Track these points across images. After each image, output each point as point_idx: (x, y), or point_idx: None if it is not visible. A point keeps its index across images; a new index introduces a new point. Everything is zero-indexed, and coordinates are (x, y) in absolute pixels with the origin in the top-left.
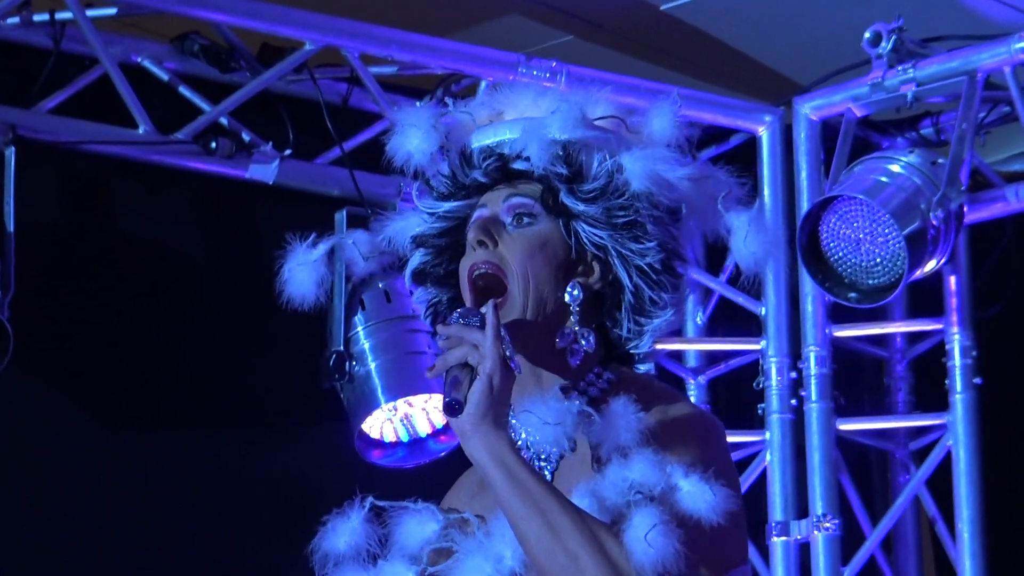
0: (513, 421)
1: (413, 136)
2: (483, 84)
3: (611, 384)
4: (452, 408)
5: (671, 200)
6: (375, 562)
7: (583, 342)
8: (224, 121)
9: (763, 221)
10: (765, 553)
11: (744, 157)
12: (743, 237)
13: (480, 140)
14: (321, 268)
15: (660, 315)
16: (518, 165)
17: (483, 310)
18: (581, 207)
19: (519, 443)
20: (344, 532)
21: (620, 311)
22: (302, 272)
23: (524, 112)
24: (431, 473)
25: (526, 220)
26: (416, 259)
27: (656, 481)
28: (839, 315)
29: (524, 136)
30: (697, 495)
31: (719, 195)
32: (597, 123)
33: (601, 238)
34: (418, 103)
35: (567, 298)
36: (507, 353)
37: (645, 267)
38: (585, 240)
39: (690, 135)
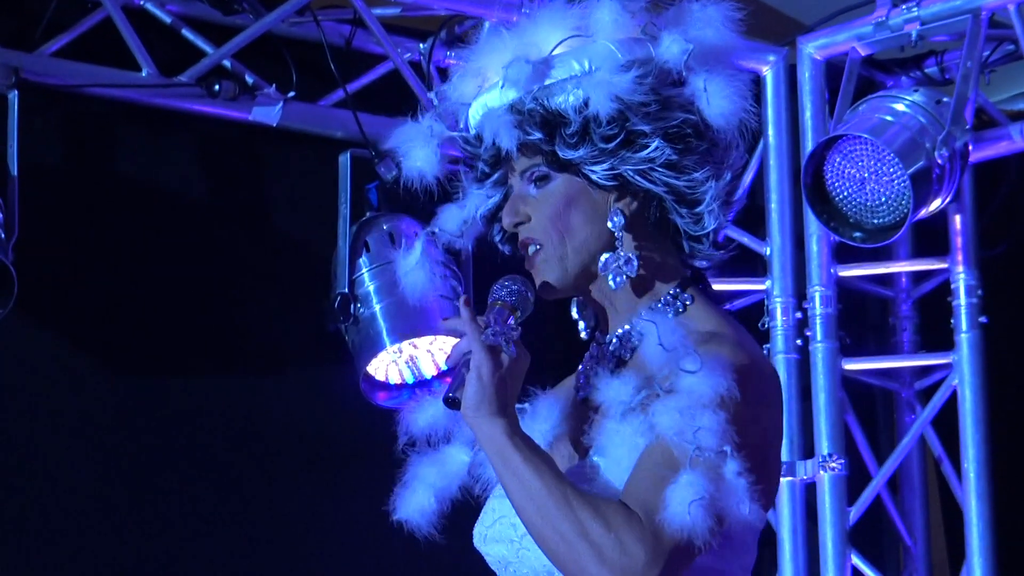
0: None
1: (415, 154)
2: (486, 25)
3: (685, 307)
4: (451, 404)
5: (646, 95)
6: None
7: (624, 266)
8: (227, 63)
9: (723, 77)
10: None
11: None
12: (705, 99)
13: (472, 123)
14: (427, 263)
15: (705, 188)
16: (499, 146)
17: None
18: (575, 154)
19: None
20: (426, 412)
21: (670, 213)
22: (414, 275)
23: (499, 71)
24: None
25: (542, 182)
26: (498, 231)
27: (716, 446)
28: (844, 255)
29: (486, 126)
30: (739, 490)
31: (680, 65)
32: (556, 52)
33: (609, 168)
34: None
35: (610, 225)
36: (496, 341)
37: (660, 165)
38: (597, 179)
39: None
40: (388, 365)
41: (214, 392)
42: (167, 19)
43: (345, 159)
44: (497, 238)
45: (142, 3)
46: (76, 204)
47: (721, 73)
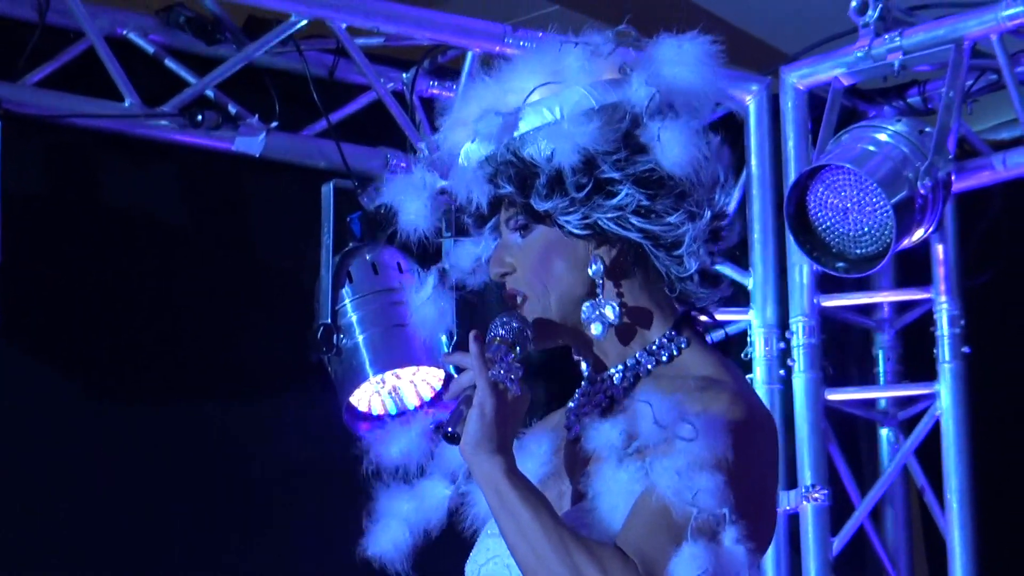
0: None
1: (408, 207)
2: (469, 55)
3: (680, 351)
4: (450, 439)
5: (612, 142)
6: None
7: (608, 314)
8: (210, 94)
9: (677, 126)
10: None
11: (731, 126)
12: (660, 148)
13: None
14: (439, 299)
15: (682, 231)
16: (472, 199)
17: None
18: (547, 205)
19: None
20: (399, 441)
21: (650, 257)
22: (424, 310)
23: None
24: None
25: (524, 231)
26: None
27: (715, 508)
28: (827, 285)
29: (460, 183)
30: (738, 559)
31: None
32: (531, 99)
33: (582, 218)
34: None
35: (591, 273)
36: (502, 378)
37: (633, 212)
38: (572, 228)
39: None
40: (371, 396)
41: (196, 420)
42: (150, 49)
43: (328, 189)
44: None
45: (125, 33)
46: (59, 233)
47: (677, 120)
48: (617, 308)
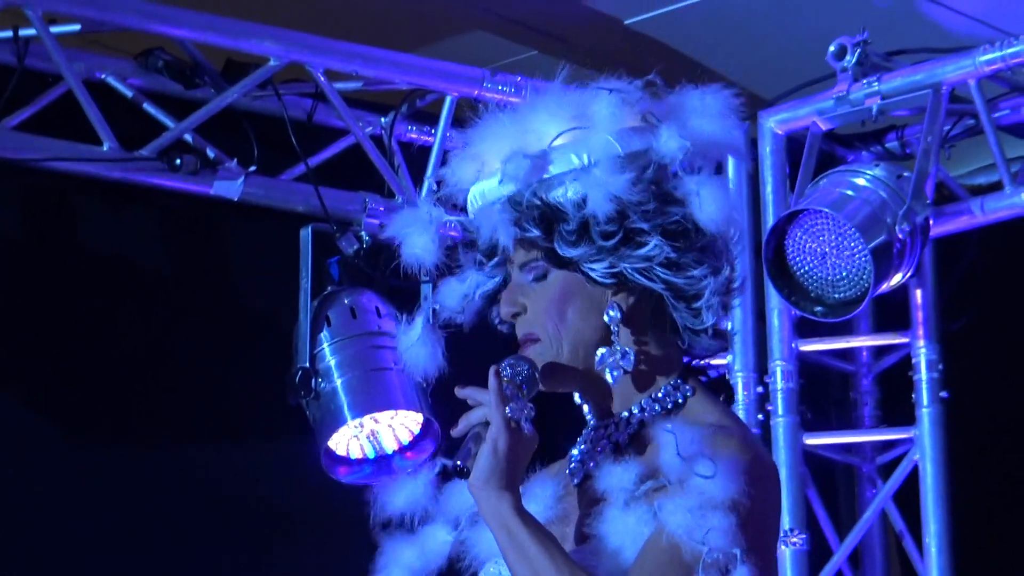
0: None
1: (415, 242)
2: (448, 100)
3: (686, 399)
4: (460, 473)
5: (644, 193)
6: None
7: (623, 361)
8: (189, 137)
9: (714, 183)
10: None
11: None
12: (698, 203)
13: (470, 209)
14: (428, 340)
15: (703, 284)
16: (497, 241)
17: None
18: (574, 252)
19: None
20: (404, 490)
21: (667, 308)
22: (414, 352)
23: (499, 157)
24: None
25: (541, 277)
26: (496, 311)
27: (727, 548)
28: (805, 329)
29: (483, 224)
30: None
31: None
32: (556, 143)
33: (609, 267)
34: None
35: (606, 319)
36: (517, 415)
37: (660, 263)
38: (597, 276)
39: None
40: (349, 440)
41: (175, 464)
42: (128, 93)
43: (306, 233)
44: (496, 319)
45: (103, 77)
46: (37, 277)
47: (713, 176)
48: (633, 356)
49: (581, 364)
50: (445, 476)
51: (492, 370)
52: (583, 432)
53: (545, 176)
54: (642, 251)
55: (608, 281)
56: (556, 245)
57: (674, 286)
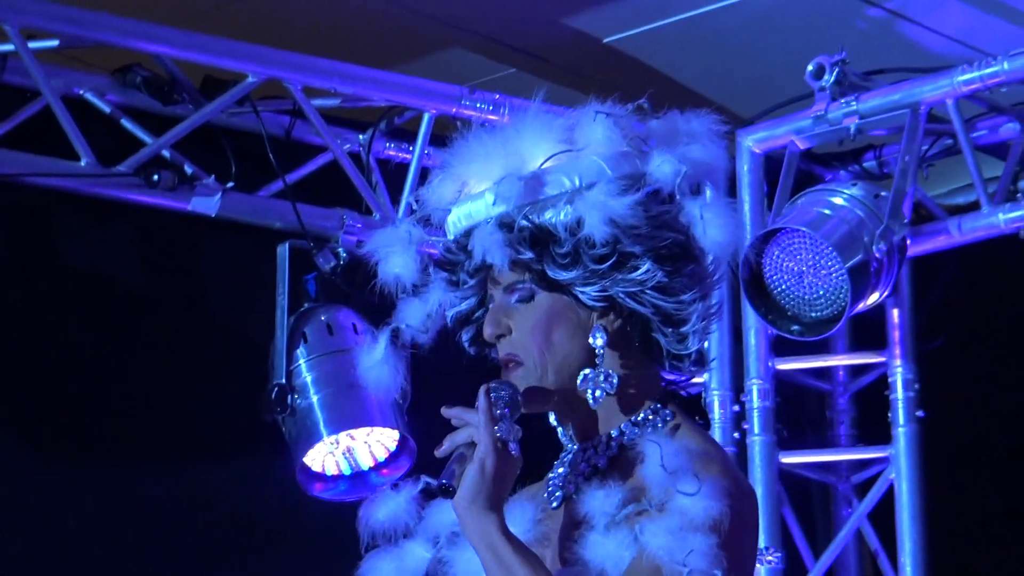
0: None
1: (394, 261)
2: (426, 117)
3: (666, 423)
4: (444, 492)
5: (638, 218)
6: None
7: (605, 384)
8: (166, 153)
9: (720, 206)
10: None
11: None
12: (702, 227)
13: (452, 229)
14: (391, 360)
15: (691, 310)
16: (487, 261)
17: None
18: (566, 275)
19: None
20: (387, 506)
21: (653, 331)
22: (377, 371)
23: (482, 178)
24: None
25: (527, 299)
26: (466, 334)
27: (707, 570)
28: (782, 348)
29: (477, 243)
30: None
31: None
32: (547, 164)
33: (600, 290)
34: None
35: (592, 343)
36: (506, 436)
37: (652, 288)
38: (587, 299)
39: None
40: (325, 456)
41: (150, 481)
42: (106, 109)
43: (283, 250)
44: (465, 340)
45: (81, 93)
46: (14, 293)
47: (717, 200)
48: (616, 379)
49: (564, 386)
50: (428, 495)
51: (483, 389)
52: (561, 455)
53: (539, 198)
54: (634, 275)
55: (599, 304)
56: (547, 268)
57: (663, 311)
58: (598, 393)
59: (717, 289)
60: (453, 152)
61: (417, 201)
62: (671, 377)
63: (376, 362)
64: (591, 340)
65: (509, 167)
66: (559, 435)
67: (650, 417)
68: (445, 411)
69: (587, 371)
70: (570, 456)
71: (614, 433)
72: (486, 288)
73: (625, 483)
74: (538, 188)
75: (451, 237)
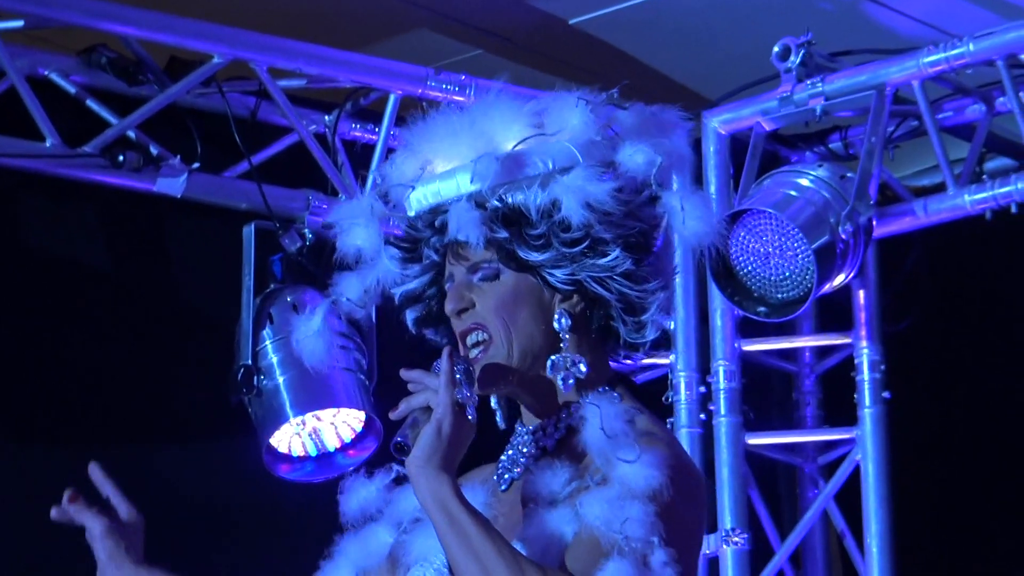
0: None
1: (357, 233)
2: (392, 98)
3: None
4: (399, 449)
5: (607, 205)
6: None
7: (574, 367)
8: (132, 134)
9: (698, 198)
10: None
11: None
12: (681, 218)
13: (415, 206)
14: (327, 334)
15: (653, 299)
16: (458, 237)
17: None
18: (537, 256)
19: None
20: (359, 493)
21: (614, 319)
22: (312, 343)
23: (448, 157)
24: None
25: (492, 277)
26: (413, 313)
27: (643, 536)
28: (748, 329)
29: (453, 220)
30: None
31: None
32: (519, 147)
33: (570, 274)
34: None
35: (556, 327)
36: (465, 400)
37: (619, 274)
38: (555, 282)
39: (608, 113)
40: (291, 437)
41: (116, 463)
42: (71, 89)
43: (249, 231)
44: (410, 319)
45: (46, 73)
46: None
47: (697, 193)
48: (585, 364)
49: (525, 368)
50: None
51: (446, 351)
52: (511, 438)
53: (515, 179)
54: (604, 260)
55: (566, 288)
56: (518, 248)
57: (627, 298)
58: (570, 380)
59: (673, 281)
60: (416, 130)
61: (381, 176)
62: (620, 365)
63: (312, 333)
64: (555, 323)
65: (477, 148)
66: (497, 418)
67: (598, 398)
68: (404, 373)
69: (555, 357)
70: (519, 439)
71: (563, 415)
72: (442, 266)
73: (570, 464)
74: (515, 169)
75: (414, 213)
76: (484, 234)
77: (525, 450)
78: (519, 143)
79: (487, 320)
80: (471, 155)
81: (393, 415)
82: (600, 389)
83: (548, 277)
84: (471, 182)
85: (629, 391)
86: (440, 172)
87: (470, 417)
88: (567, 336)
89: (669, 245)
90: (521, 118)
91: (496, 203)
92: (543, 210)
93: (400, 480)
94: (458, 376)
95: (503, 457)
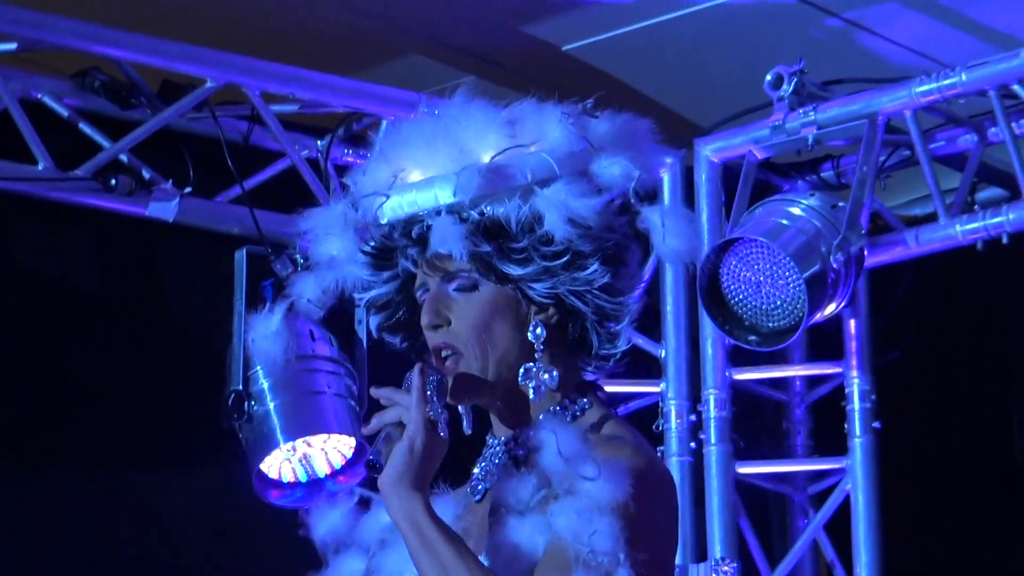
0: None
1: (331, 242)
2: (384, 123)
3: (584, 412)
4: (371, 467)
5: (587, 220)
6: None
7: (545, 377)
8: (124, 158)
9: (680, 214)
10: None
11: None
12: (662, 235)
13: (389, 215)
14: (285, 335)
15: (626, 311)
16: (439, 249)
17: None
18: (518, 270)
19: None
20: (327, 522)
21: (588, 331)
22: (266, 342)
23: (423, 166)
24: None
25: (469, 288)
26: (378, 319)
27: (610, 551)
28: (739, 358)
29: (437, 232)
30: None
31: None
32: (498, 158)
33: (550, 288)
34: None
35: (531, 337)
36: (436, 417)
37: (597, 288)
38: (535, 295)
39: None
40: (281, 463)
41: (106, 486)
42: (64, 112)
43: (241, 256)
44: (374, 325)
45: (39, 96)
46: None
47: (677, 209)
48: (557, 374)
49: (502, 379)
50: (368, 469)
51: (417, 368)
52: (484, 450)
53: (495, 191)
54: (583, 274)
55: (545, 301)
56: (498, 262)
57: (603, 310)
58: (541, 389)
59: (639, 291)
60: (388, 137)
61: (349, 183)
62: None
63: (269, 333)
64: (530, 334)
65: (452, 156)
66: (463, 424)
67: (568, 406)
68: (374, 391)
69: (528, 365)
70: (491, 451)
71: (535, 427)
72: (411, 274)
73: (539, 472)
74: (496, 181)
75: (386, 222)
76: (467, 247)
77: (497, 461)
78: (498, 154)
79: (462, 339)
80: (447, 164)
81: (365, 431)
82: (565, 400)
83: (527, 290)
84: (453, 194)
85: (598, 398)
86: (416, 181)
87: (442, 434)
88: (542, 347)
89: (642, 256)
90: (496, 127)
91: (476, 216)
92: (525, 224)
93: (365, 503)
94: (429, 392)
95: (476, 470)
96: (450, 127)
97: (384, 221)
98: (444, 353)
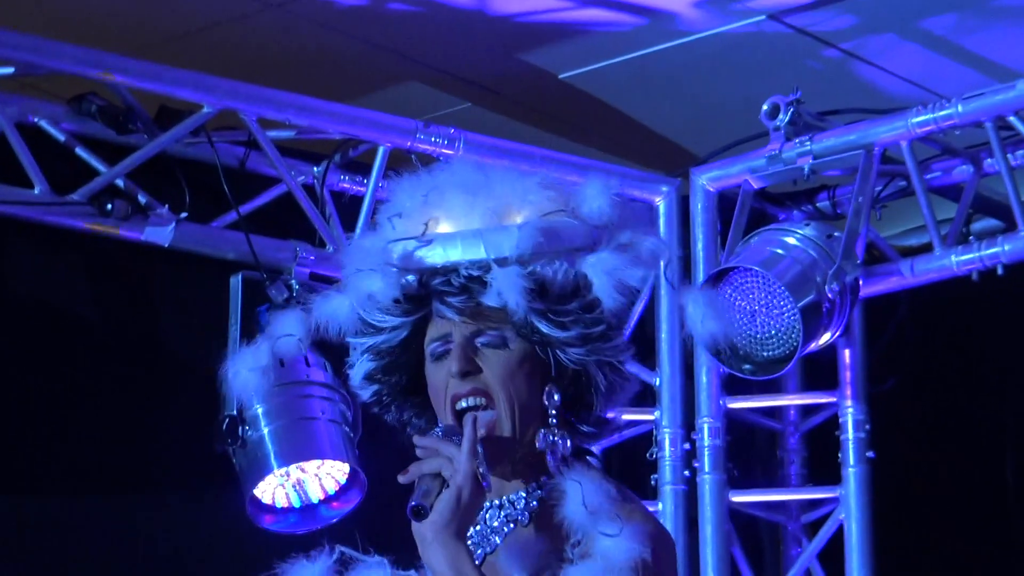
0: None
1: (372, 280)
2: (380, 150)
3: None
4: (417, 513)
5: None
6: None
7: (561, 444)
8: (120, 183)
9: (712, 296)
10: None
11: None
12: (700, 318)
13: (428, 259)
14: (270, 373)
15: (626, 384)
16: (490, 302)
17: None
18: (560, 334)
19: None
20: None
21: (595, 399)
22: (247, 377)
23: (459, 217)
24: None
25: (499, 345)
26: (367, 365)
27: None
28: (733, 387)
29: (499, 284)
30: None
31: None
32: (549, 218)
33: (581, 354)
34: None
35: (546, 401)
36: (480, 470)
37: (617, 361)
38: (565, 359)
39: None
40: (275, 488)
41: (99, 513)
42: (61, 137)
43: (236, 281)
44: (366, 370)
45: (36, 120)
46: None
47: (707, 291)
48: (570, 441)
49: (516, 428)
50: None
51: (470, 418)
52: (479, 512)
53: (548, 251)
54: (610, 344)
55: (574, 367)
56: (540, 322)
57: (613, 385)
58: (558, 454)
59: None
60: (424, 181)
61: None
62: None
63: (254, 368)
64: (546, 399)
65: (494, 210)
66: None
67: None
68: (418, 440)
69: (545, 432)
70: (485, 513)
71: (531, 487)
72: (423, 323)
73: (546, 535)
74: (553, 241)
75: (429, 266)
76: (524, 301)
77: (496, 524)
78: (548, 214)
79: (492, 389)
80: (488, 217)
81: (402, 479)
82: (568, 461)
83: (559, 354)
84: (516, 247)
85: (588, 463)
86: (461, 231)
87: (485, 485)
88: (555, 412)
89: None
90: (537, 190)
91: (528, 274)
92: (572, 288)
93: (346, 562)
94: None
95: (471, 532)
96: (493, 182)
97: (428, 265)
98: (474, 401)
